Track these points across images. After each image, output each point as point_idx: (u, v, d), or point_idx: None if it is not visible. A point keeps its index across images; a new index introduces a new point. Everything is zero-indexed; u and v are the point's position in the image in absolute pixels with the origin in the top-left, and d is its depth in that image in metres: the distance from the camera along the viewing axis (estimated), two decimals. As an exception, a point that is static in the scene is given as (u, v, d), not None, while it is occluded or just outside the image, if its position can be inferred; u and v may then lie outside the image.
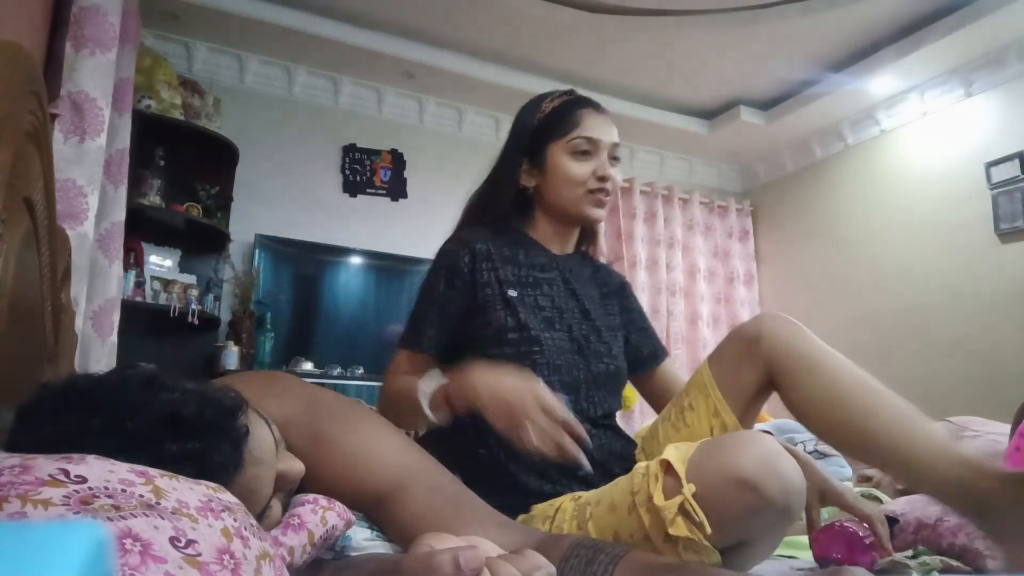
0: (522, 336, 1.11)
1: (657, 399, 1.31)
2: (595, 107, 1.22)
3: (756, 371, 1.01)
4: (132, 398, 0.58)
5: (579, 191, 1.17)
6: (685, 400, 1.09)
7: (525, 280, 1.18)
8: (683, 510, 0.78)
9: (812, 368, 0.95)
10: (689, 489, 0.78)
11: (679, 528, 0.78)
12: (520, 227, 1.24)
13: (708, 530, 0.76)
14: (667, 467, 0.83)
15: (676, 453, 0.84)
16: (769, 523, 0.78)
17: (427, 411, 0.99)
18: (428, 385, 1.00)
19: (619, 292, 1.32)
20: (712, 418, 1.03)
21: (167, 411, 0.58)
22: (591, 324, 1.19)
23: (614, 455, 1.11)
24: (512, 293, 1.15)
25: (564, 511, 0.96)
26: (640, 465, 0.90)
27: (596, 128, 1.18)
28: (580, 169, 1.17)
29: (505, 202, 1.23)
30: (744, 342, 1.03)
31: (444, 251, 1.19)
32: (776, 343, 0.99)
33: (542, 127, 1.21)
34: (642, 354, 1.30)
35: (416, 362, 1.15)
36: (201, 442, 0.59)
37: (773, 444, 0.78)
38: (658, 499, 0.80)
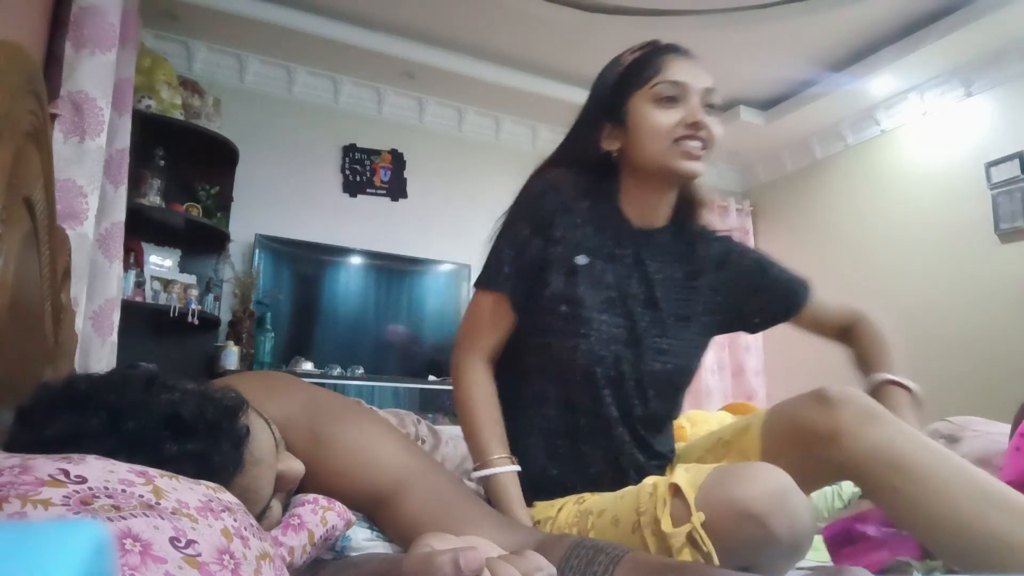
0: (573, 312, 1.00)
1: (828, 335, 1.17)
2: (681, 51, 1.06)
3: (826, 470, 0.88)
4: (132, 398, 0.58)
5: (665, 143, 0.99)
6: (729, 448, 0.99)
7: (599, 249, 1.04)
8: (691, 539, 0.75)
9: (909, 475, 0.80)
10: (698, 518, 0.75)
11: (686, 557, 0.75)
12: (606, 192, 1.08)
13: (716, 561, 0.74)
14: (676, 490, 0.79)
15: (686, 477, 0.80)
16: (777, 557, 0.75)
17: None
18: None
19: (719, 265, 1.12)
20: None
21: (167, 411, 0.58)
22: (656, 315, 1.04)
23: (635, 465, 1.03)
24: (581, 260, 1.02)
25: (566, 514, 0.94)
26: (648, 482, 0.85)
27: (682, 71, 1.01)
28: (665, 117, 0.99)
29: (586, 166, 1.08)
30: (813, 438, 0.87)
31: (531, 189, 1.06)
32: (860, 447, 0.82)
33: (622, 81, 1.05)
34: (766, 316, 1.14)
35: (497, 306, 1.04)
36: (201, 442, 0.59)
37: (785, 479, 0.74)
38: (666, 525, 0.77)
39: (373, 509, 0.78)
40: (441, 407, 3.56)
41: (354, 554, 0.75)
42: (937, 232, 3.49)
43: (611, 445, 1.02)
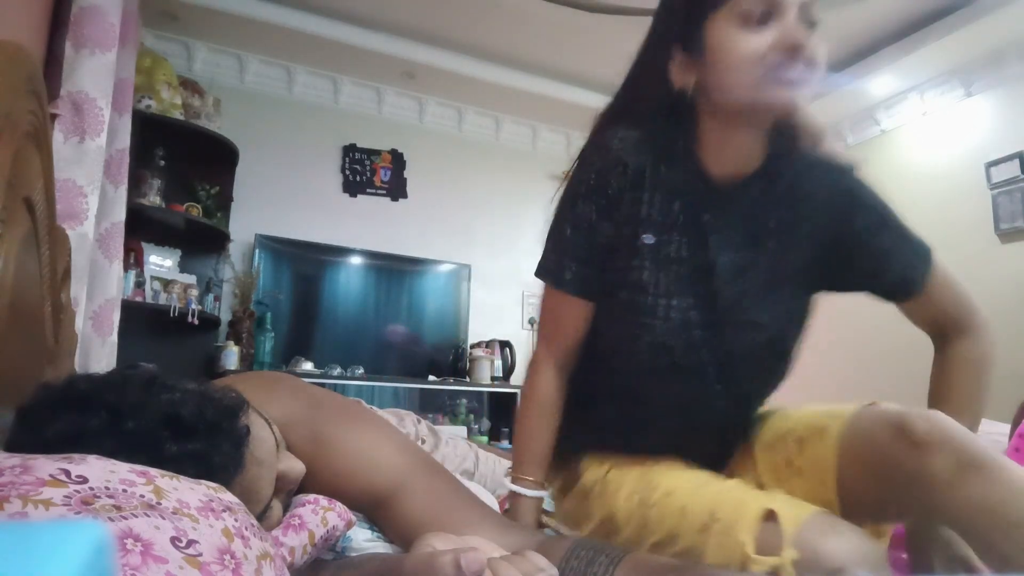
0: (635, 300, 0.88)
1: (927, 329, 0.99)
2: None
3: (917, 512, 0.77)
4: (132, 398, 0.58)
5: (756, 73, 0.79)
6: (802, 449, 0.87)
7: (670, 219, 0.89)
8: (773, 571, 0.68)
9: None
10: (790, 555, 0.68)
11: None
12: (680, 140, 0.89)
13: None
14: (769, 515, 0.72)
15: (788, 509, 0.72)
16: None
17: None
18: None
19: (829, 207, 0.90)
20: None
21: (167, 411, 0.58)
22: (744, 284, 0.89)
23: (717, 438, 0.94)
24: (647, 239, 0.88)
25: (623, 482, 0.86)
26: (734, 492, 0.77)
27: None
28: (755, 41, 0.78)
29: (653, 111, 0.90)
30: (898, 477, 0.73)
31: (592, 161, 0.91)
32: (959, 503, 0.69)
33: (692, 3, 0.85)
34: (863, 286, 0.96)
35: (567, 306, 0.93)
36: (201, 442, 0.59)
37: (875, 551, 0.70)
38: (750, 548, 0.71)
39: (373, 509, 0.78)
40: (441, 407, 3.57)
41: (354, 554, 0.75)
42: (937, 232, 3.45)
43: (689, 425, 0.92)
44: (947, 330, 0.97)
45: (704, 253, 0.88)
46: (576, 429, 0.97)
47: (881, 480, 0.75)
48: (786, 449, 0.89)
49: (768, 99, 0.80)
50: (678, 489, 0.83)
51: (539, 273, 0.95)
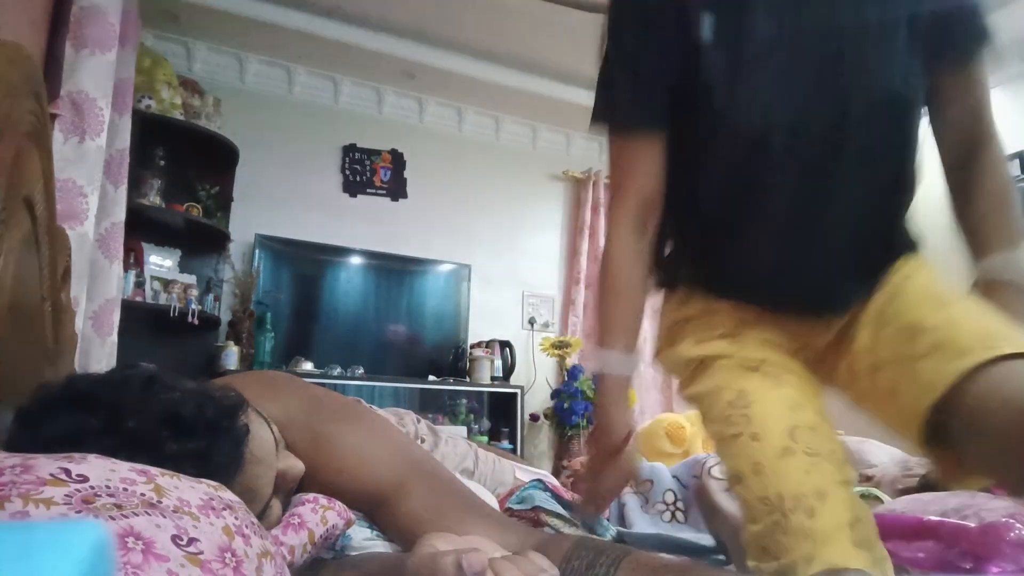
0: (712, 98, 0.75)
1: (958, 135, 0.86)
2: None
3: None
4: (132, 398, 0.58)
5: None
6: (901, 369, 0.75)
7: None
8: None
9: None
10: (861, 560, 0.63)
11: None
12: None
13: None
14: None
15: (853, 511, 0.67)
16: None
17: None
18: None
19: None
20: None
21: (167, 411, 0.58)
22: (848, 36, 0.74)
23: (848, 264, 0.79)
24: (707, 19, 0.75)
25: (725, 387, 0.77)
26: (814, 480, 0.68)
27: None
28: None
29: None
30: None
31: None
32: None
33: None
34: (937, 46, 0.82)
35: (632, 148, 0.81)
36: (201, 441, 0.59)
37: None
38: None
39: (373, 508, 0.78)
40: (441, 407, 3.57)
41: (354, 553, 0.75)
42: (937, 232, 3.49)
43: (798, 254, 0.78)
44: (975, 135, 0.87)
45: (792, 9, 0.74)
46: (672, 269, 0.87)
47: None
48: (904, 347, 0.75)
49: None
50: (766, 429, 0.72)
51: (594, 120, 0.84)
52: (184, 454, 0.57)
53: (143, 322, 2.79)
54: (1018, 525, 0.97)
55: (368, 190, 3.70)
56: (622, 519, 1.33)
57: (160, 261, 2.98)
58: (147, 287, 2.84)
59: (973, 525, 1.02)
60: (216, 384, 0.71)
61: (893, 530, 1.06)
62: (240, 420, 0.64)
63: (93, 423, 0.55)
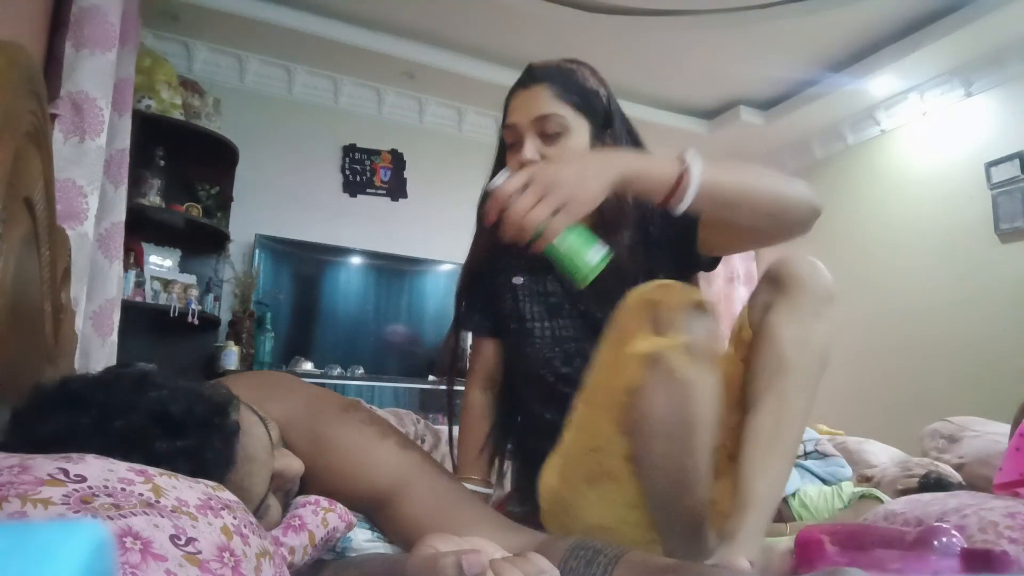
0: (519, 327, 1.11)
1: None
2: (521, 83, 1.07)
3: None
4: (121, 397, 0.58)
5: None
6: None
7: (534, 264, 1.08)
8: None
9: None
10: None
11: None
12: None
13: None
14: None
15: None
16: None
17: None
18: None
19: (656, 222, 1.07)
20: None
21: (156, 409, 0.58)
22: (608, 299, 0.98)
23: None
24: (517, 280, 1.12)
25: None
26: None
27: (513, 111, 1.04)
28: (511, 164, 1.02)
29: None
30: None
31: (474, 241, 1.22)
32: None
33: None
34: (680, 246, 1.06)
35: (478, 343, 1.22)
36: (191, 439, 0.58)
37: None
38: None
39: (374, 510, 0.78)
40: (441, 407, 3.56)
41: (354, 554, 0.75)
42: (937, 232, 3.49)
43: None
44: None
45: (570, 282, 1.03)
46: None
47: None
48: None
49: None
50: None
51: (453, 325, 1.21)
52: (174, 452, 0.56)
53: (143, 322, 2.78)
54: (953, 533, 0.97)
55: (368, 190, 3.70)
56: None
57: (160, 261, 2.98)
58: (147, 287, 2.84)
59: (909, 530, 1.03)
60: (209, 383, 0.71)
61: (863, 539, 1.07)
62: (231, 417, 0.64)
63: (83, 423, 0.55)
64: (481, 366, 1.20)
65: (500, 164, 1.12)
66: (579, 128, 1.02)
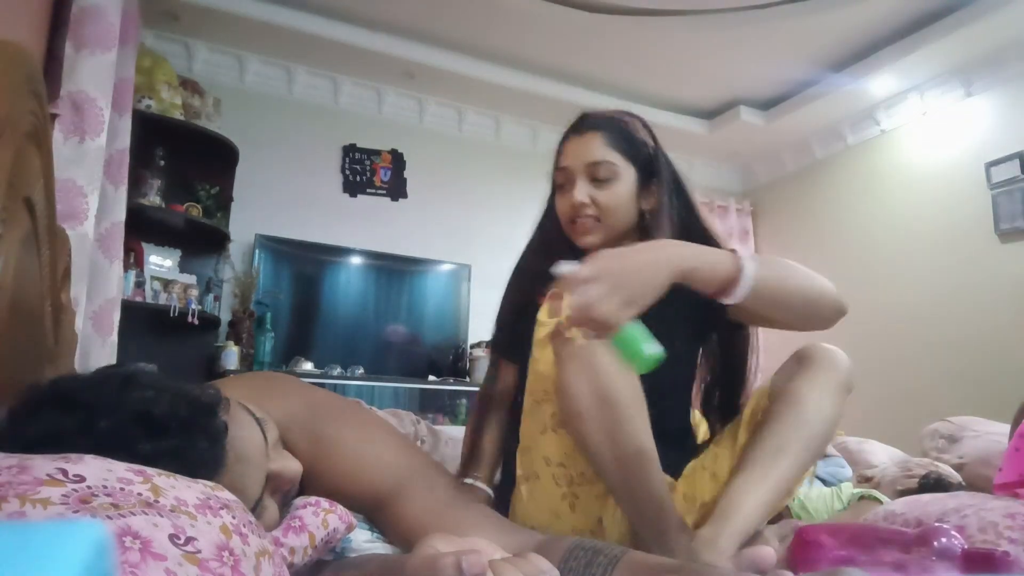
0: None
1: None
2: (577, 129, 1.16)
3: None
4: (107, 398, 0.57)
5: (566, 225, 1.15)
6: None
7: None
8: None
9: None
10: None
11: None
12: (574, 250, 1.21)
13: None
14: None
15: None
16: None
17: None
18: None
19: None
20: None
21: (138, 410, 0.57)
22: None
23: None
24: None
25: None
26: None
27: (568, 154, 1.14)
28: (560, 204, 1.14)
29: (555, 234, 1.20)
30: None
31: (513, 279, 1.30)
32: None
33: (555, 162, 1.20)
34: (710, 318, 1.16)
35: (498, 362, 1.29)
36: (175, 440, 0.58)
37: None
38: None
39: (374, 510, 0.78)
40: (441, 407, 3.56)
41: (354, 555, 0.75)
42: (937, 232, 3.50)
43: None
44: None
45: None
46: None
47: None
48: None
49: (575, 240, 1.14)
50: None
51: (494, 350, 1.30)
52: (159, 453, 0.56)
53: (143, 322, 2.78)
54: (954, 533, 0.97)
55: (368, 190, 3.70)
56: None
57: (160, 261, 2.98)
58: (147, 287, 2.84)
59: (910, 531, 1.03)
60: (201, 384, 0.70)
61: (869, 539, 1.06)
62: (218, 418, 0.63)
63: (67, 423, 0.55)
64: (499, 382, 1.26)
65: (551, 202, 1.20)
66: (627, 175, 1.11)
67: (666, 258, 0.82)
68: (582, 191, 1.10)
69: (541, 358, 0.95)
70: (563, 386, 0.85)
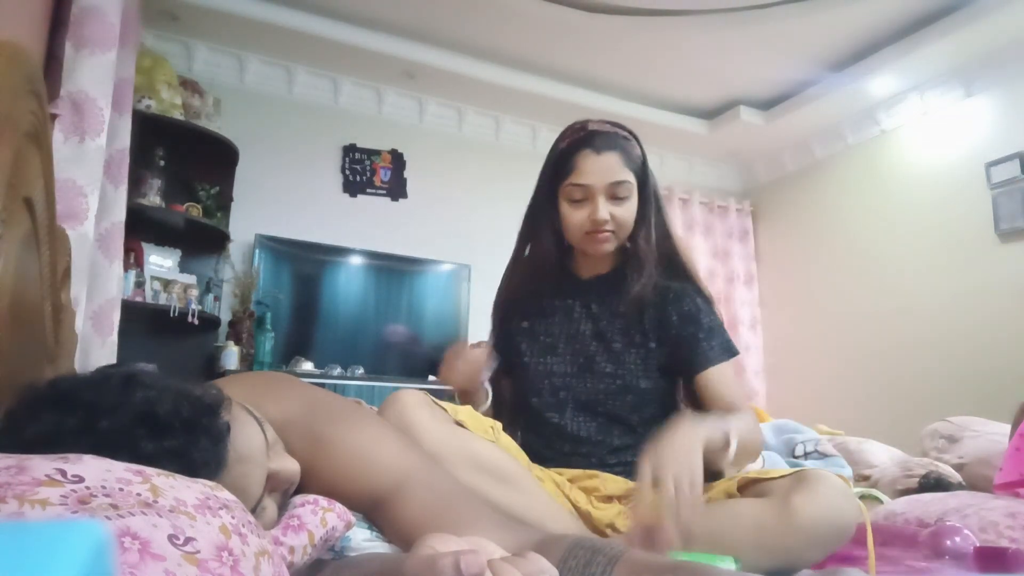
0: (519, 360, 1.30)
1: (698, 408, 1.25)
2: (595, 146, 1.19)
3: None
4: (109, 398, 0.57)
5: (578, 235, 1.21)
6: None
7: (541, 310, 1.31)
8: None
9: None
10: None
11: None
12: (560, 251, 1.29)
13: None
14: None
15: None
16: None
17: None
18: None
19: (657, 305, 1.23)
20: None
21: (142, 409, 0.57)
22: (604, 344, 1.23)
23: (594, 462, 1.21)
24: (524, 324, 1.32)
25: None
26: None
27: (589, 172, 1.17)
28: (575, 216, 1.19)
29: (545, 227, 1.27)
30: None
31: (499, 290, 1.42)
32: None
33: (555, 168, 1.23)
34: (676, 365, 1.24)
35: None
36: (178, 439, 0.58)
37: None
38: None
39: (373, 510, 0.78)
40: (441, 407, 3.56)
41: (353, 554, 0.75)
42: (937, 232, 3.50)
43: (564, 446, 1.24)
44: (725, 407, 1.18)
45: (574, 324, 1.27)
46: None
47: None
48: None
49: (587, 250, 1.24)
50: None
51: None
52: (162, 453, 0.56)
53: (143, 322, 2.79)
54: (966, 532, 0.98)
55: (368, 190, 3.70)
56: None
57: (160, 261, 2.98)
58: (147, 287, 2.84)
59: (921, 530, 1.03)
60: (202, 383, 0.70)
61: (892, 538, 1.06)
62: (220, 418, 0.63)
63: (69, 423, 0.55)
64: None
65: (546, 193, 1.25)
66: (635, 191, 1.20)
67: (694, 440, 0.93)
68: (604, 209, 1.17)
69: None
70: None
